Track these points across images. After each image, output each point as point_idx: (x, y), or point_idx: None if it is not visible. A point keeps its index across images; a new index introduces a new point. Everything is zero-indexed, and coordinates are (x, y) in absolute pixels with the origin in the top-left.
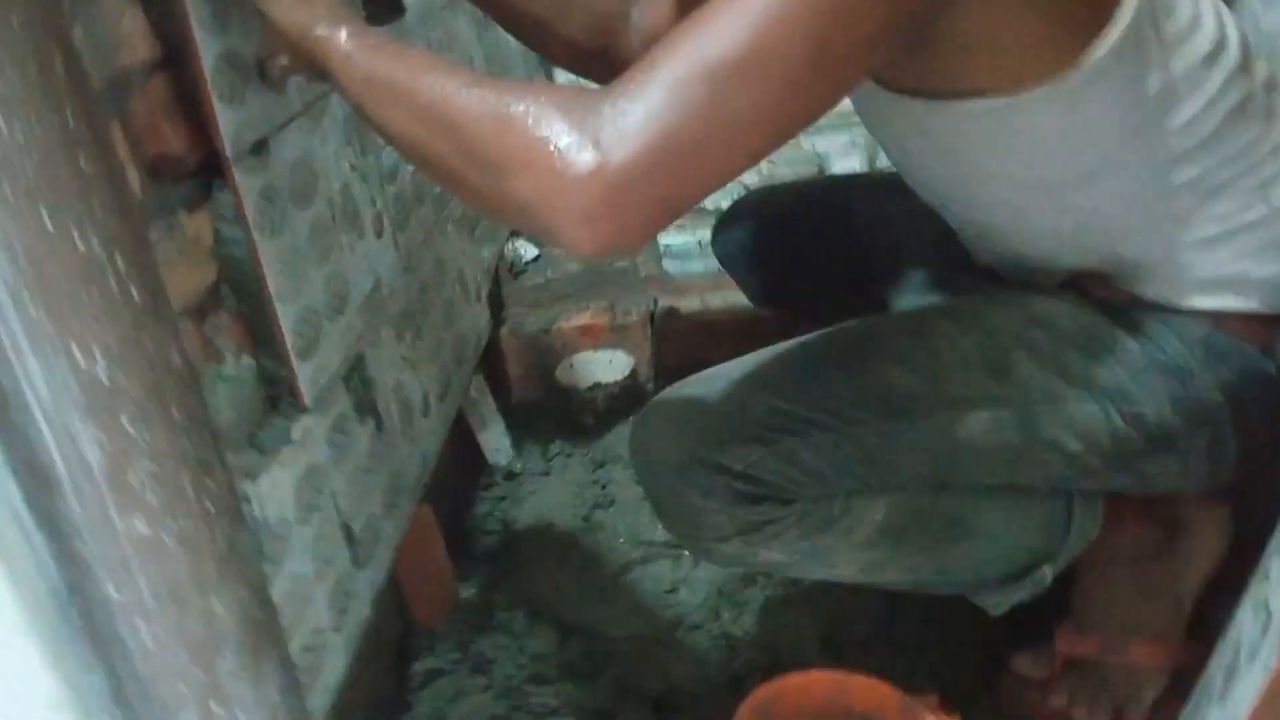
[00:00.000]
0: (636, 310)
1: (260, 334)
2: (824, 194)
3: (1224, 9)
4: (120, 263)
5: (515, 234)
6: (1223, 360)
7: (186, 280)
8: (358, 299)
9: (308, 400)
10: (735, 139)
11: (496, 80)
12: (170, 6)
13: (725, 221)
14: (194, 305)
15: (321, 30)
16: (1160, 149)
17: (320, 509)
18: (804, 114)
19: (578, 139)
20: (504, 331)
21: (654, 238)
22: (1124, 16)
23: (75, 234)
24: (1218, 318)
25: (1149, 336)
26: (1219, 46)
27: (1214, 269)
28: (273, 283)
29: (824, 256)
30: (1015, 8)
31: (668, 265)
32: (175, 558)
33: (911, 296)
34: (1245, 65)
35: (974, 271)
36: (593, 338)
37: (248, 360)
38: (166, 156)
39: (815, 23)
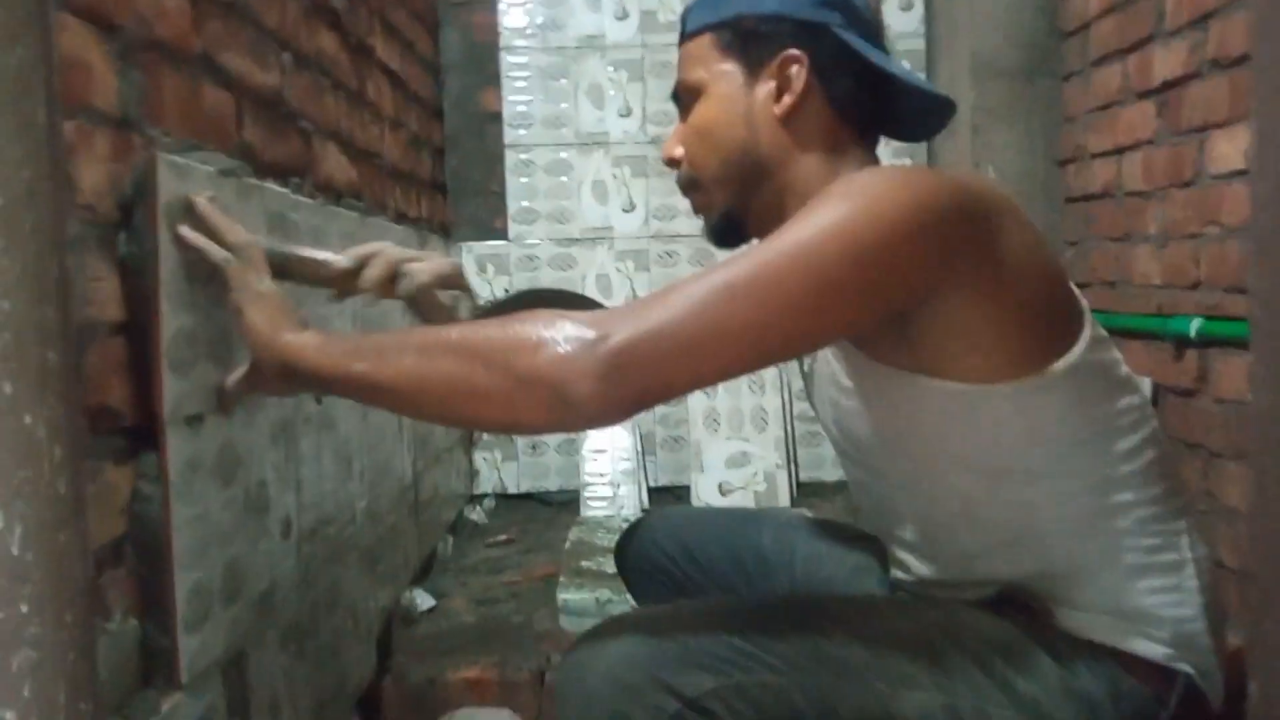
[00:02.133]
0: (528, 667)
1: (151, 600)
2: (740, 525)
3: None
4: (58, 454)
5: (414, 582)
6: (1125, 700)
7: (95, 530)
8: (252, 594)
9: (184, 677)
10: (724, 345)
11: None
12: (144, 279)
13: (629, 536)
14: (96, 556)
15: (290, 335)
16: (1103, 466)
17: None
18: (790, 341)
19: (587, 322)
20: (387, 681)
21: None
22: (1079, 348)
23: (27, 415)
24: (1125, 661)
25: (1063, 662)
26: (1147, 406)
27: (1132, 599)
28: (178, 548)
29: (744, 589)
30: (991, 315)
31: (564, 622)
32: None
33: None
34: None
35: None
36: (479, 693)
37: (133, 623)
38: (107, 410)
39: (818, 265)
